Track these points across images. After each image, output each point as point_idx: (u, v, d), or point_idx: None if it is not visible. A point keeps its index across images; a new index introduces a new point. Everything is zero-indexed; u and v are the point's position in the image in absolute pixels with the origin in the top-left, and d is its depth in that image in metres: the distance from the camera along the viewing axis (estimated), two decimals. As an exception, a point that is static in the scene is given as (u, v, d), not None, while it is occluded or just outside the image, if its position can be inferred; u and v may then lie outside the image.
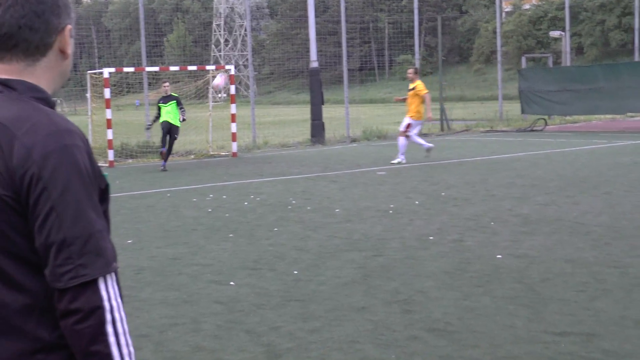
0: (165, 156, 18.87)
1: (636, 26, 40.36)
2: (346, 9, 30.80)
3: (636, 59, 40.65)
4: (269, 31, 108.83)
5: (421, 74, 29.01)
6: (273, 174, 17.15)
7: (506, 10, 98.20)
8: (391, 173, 16.38)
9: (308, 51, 27.23)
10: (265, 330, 5.93)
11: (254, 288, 7.20)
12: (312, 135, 25.90)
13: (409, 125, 18.50)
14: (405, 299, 6.63)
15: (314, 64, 26.47)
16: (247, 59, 31.83)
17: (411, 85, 18.68)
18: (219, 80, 18.71)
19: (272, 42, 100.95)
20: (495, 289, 6.83)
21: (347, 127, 27.56)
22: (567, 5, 40.37)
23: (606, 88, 29.83)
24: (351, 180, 15.44)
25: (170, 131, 18.96)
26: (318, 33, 27.71)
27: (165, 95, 19.26)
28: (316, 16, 27.52)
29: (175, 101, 19.09)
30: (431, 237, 9.29)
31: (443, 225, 10.10)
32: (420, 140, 19.05)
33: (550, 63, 42.90)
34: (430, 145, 18.95)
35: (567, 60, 40.61)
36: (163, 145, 18.99)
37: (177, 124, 19.04)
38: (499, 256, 8.11)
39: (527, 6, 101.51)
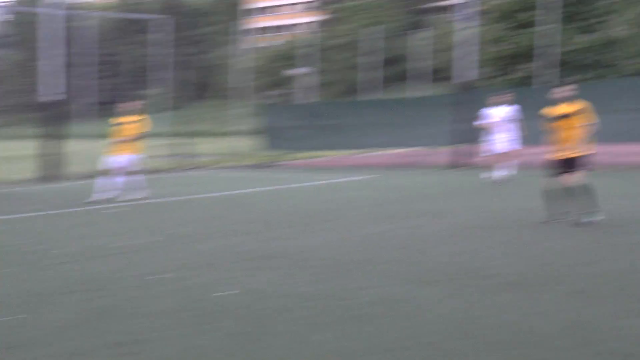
0: None
1: (371, 66, 42.26)
2: (94, 41, 30.12)
3: (375, 96, 42.48)
4: (8, 61, 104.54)
5: (173, 108, 28.72)
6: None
7: (250, 47, 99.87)
8: (119, 210, 16.10)
9: (45, 84, 26.34)
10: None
11: (-30, 335, 6.79)
12: (45, 170, 24.97)
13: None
14: (135, 339, 6.46)
15: (46, 97, 25.60)
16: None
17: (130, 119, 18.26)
18: None
19: (7, 74, 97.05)
20: (224, 326, 6.80)
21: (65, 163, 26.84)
22: (307, 44, 41.61)
23: (346, 124, 30.55)
24: (76, 219, 15.01)
25: None
26: (60, 65, 26.85)
27: None
28: (58, 48, 26.64)
29: None
30: (156, 276, 9.16)
31: (171, 263, 9.97)
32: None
33: (291, 100, 43.99)
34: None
35: (308, 97, 41.83)
36: None
37: None
38: (230, 292, 8.12)
39: (269, 44, 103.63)
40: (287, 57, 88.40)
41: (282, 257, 10.17)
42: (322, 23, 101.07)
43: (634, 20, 57.21)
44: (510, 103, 19.12)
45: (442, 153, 29.29)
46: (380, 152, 35.68)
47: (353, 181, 21.97)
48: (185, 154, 30.83)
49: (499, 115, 18.63)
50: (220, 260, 10.04)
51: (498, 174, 19.29)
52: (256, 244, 11.29)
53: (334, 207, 15.47)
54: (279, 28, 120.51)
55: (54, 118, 24.80)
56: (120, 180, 17.81)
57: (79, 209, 16.41)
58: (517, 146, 19.12)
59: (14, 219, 15.19)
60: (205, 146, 38.60)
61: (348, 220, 13.50)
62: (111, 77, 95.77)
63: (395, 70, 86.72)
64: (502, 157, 19.28)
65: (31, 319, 7.30)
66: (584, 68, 51.64)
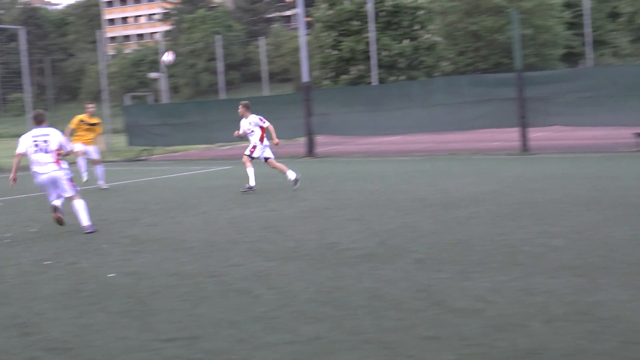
0: None
1: (220, 70, 42.03)
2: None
3: (221, 97, 42.33)
4: None
5: (34, 109, 27.78)
6: None
7: (110, 53, 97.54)
8: (8, 203, 15.44)
9: None
10: None
11: None
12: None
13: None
14: (23, 322, 6.22)
15: None
16: None
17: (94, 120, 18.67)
18: (170, 57, 16.07)
19: None
20: (109, 305, 6.65)
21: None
22: (162, 50, 40.98)
23: (199, 122, 30.80)
24: (-33, 213, 14.31)
25: None
26: None
27: None
28: None
29: None
30: (48, 262, 8.85)
31: (59, 249, 9.68)
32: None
33: (151, 100, 43.28)
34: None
35: (165, 98, 41.22)
36: None
37: None
38: (112, 275, 7.92)
39: (128, 50, 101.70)
40: (148, 61, 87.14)
41: (160, 240, 10.01)
42: (169, 33, 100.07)
43: (440, 29, 59.35)
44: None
45: (297, 144, 29.47)
46: (239, 145, 35.58)
47: (212, 172, 21.80)
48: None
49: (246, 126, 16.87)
50: (101, 245, 9.77)
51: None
52: (135, 229, 11.05)
53: (200, 194, 15.32)
54: (140, 36, 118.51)
55: None
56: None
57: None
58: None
59: None
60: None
61: (214, 206, 13.40)
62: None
63: (237, 74, 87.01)
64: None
65: None
66: (399, 70, 53.36)
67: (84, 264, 8.64)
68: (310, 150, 26.80)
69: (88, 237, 10.53)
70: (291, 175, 15.80)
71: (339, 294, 6.63)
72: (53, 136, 11.38)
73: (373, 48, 40.34)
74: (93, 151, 18.59)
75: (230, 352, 5.18)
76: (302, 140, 28.26)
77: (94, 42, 74.67)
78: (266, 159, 16.30)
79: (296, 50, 65.62)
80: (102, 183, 18.18)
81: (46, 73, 32.26)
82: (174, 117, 31.66)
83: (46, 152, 11.28)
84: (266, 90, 50.49)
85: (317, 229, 10.30)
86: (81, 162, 18.50)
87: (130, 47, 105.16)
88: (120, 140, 35.13)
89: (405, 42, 53.83)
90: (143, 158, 30.35)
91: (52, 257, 9.13)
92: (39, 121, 11.64)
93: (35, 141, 11.33)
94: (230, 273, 7.73)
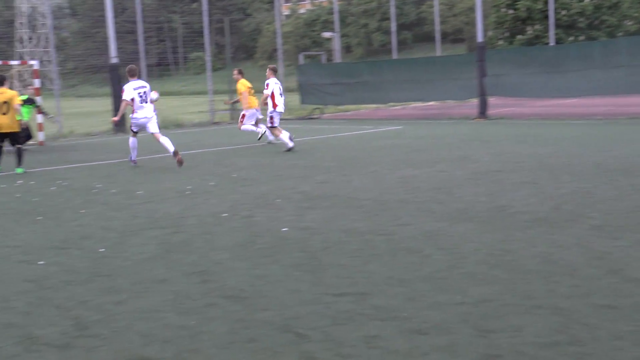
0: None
1: (393, 29, 41.85)
2: (142, 10, 30.06)
3: (394, 57, 42.20)
4: (71, 29, 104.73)
5: (213, 69, 28.74)
6: (79, 161, 16.51)
7: (285, 13, 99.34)
8: (188, 157, 16.16)
9: (108, 48, 26.34)
10: (74, 304, 5.67)
11: (63, 266, 6.88)
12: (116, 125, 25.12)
13: (243, 116, 19.00)
14: (203, 270, 6.54)
15: (114, 60, 25.71)
16: (50, 55, 30.44)
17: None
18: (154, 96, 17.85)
19: (75, 40, 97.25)
20: (282, 258, 6.86)
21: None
22: (336, 10, 41.32)
23: (371, 81, 30.91)
24: (152, 165, 15.11)
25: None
26: (117, 32, 26.84)
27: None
28: (115, 16, 26.69)
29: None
30: (225, 214, 9.22)
31: (235, 203, 10.06)
32: (251, 128, 19.00)
33: (323, 60, 43.75)
34: (260, 131, 18.78)
35: (338, 57, 41.57)
36: None
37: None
38: (285, 229, 8.16)
39: (302, 10, 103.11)
40: (322, 21, 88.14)
41: (332, 197, 10.18)
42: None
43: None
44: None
45: (469, 105, 29.05)
46: (411, 105, 35.55)
47: (383, 131, 21.87)
48: (230, 109, 30.85)
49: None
50: (274, 201, 10.07)
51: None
52: (307, 186, 11.30)
53: (371, 154, 15.43)
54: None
55: (117, 78, 24.79)
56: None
57: (149, 157, 16.50)
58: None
59: (96, 166, 15.29)
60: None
61: (384, 165, 13.47)
62: (158, 42, 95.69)
63: (409, 34, 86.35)
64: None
65: (118, 251, 7.38)
66: (578, 30, 51.10)
67: (259, 217, 8.94)
68: (483, 112, 26.31)
69: (262, 192, 10.87)
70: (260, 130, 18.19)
71: (510, 257, 6.52)
72: (148, 88, 15.24)
73: (551, 7, 38.82)
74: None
75: (399, 310, 5.22)
76: (474, 101, 27.79)
77: (271, 2, 76.18)
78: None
79: (470, 9, 64.30)
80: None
81: (225, 32, 33.39)
82: (346, 76, 31.91)
83: (147, 102, 15.04)
84: (438, 50, 49.81)
85: (488, 192, 10.14)
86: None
87: (305, 7, 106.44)
88: (294, 99, 35.82)
89: (587, 0, 51.47)
90: (315, 116, 30.84)
91: (229, 210, 9.50)
92: (133, 74, 15.09)
93: (139, 93, 14.93)
94: (399, 232, 7.77)
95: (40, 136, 21.51)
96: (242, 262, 6.75)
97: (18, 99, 15.04)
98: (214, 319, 5.19)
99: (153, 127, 15.13)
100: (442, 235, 7.54)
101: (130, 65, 15.36)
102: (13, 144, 14.99)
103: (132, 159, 15.30)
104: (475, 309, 5.18)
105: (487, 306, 5.23)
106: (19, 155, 14.87)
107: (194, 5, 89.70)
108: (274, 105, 17.28)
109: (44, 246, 7.79)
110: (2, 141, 15.06)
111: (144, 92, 15.05)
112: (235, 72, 19.44)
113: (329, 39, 55.65)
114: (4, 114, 14.71)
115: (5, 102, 14.68)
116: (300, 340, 4.69)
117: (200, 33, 35.98)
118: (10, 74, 23.04)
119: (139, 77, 15.69)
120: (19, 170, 14.63)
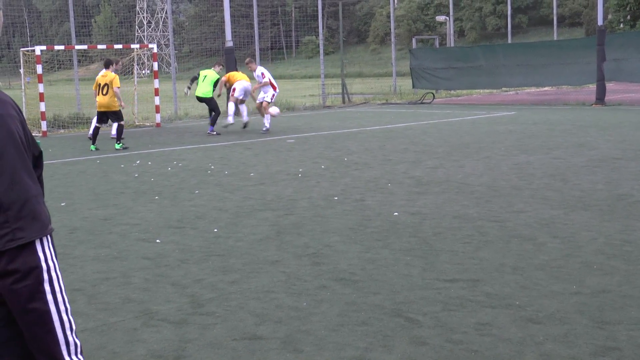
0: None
1: (509, 12, 41.03)
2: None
3: (509, 41, 41.37)
4: (187, 14, 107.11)
5: (325, 53, 28.83)
6: (193, 142, 16.90)
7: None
8: (299, 141, 16.31)
9: (223, 32, 26.78)
10: (190, 282, 5.82)
11: (178, 245, 7.07)
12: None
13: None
14: (314, 252, 6.60)
15: (229, 44, 26.13)
16: (168, 39, 31.20)
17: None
18: (275, 111, 18.59)
19: (191, 24, 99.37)
20: (393, 242, 6.85)
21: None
22: (451, -7, 40.73)
23: (484, 66, 30.44)
24: (264, 147, 15.33)
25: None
26: (232, 15, 27.28)
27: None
28: (230, 0, 27.12)
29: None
30: (336, 197, 9.27)
31: (346, 186, 10.10)
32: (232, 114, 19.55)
33: (436, 44, 43.29)
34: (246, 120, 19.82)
35: (451, 41, 41.04)
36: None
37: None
38: (396, 213, 8.13)
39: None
40: (435, 4, 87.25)
41: (444, 183, 10.09)
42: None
43: None
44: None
45: (586, 91, 28.24)
46: (525, 90, 34.81)
47: (496, 117, 21.49)
48: (346, 93, 30.96)
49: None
50: (386, 185, 10.05)
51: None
52: (418, 171, 11.23)
53: (484, 140, 15.19)
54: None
55: (233, 62, 25.16)
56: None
57: (262, 139, 16.77)
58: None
59: (210, 147, 15.63)
60: (359, 86, 38.59)
61: (497, 152, 13.24)
62: (272, 26, 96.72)
63: (525, 17, 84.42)
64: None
65: (231, 232, 7.52)
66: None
67: (369, 201, 8.94)
68: (601, 98, 25.47)
69: (373, 176, 10.87)
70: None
71: (629, 248, 6.31)
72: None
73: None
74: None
75: (513, 298, 5.14)
76: (591, 87, 26.95)
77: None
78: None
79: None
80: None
81: (338, 16, 33.54)
82: (459, 60, 31.50)
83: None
84: (555, 34, 48.53)
85: (606, 179, 9.84)
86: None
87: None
88: (406, 83, 35.64)
89: None
90: (427, 101, 30.59)
91: (340, 194, 9.54)
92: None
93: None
94: (513, 219, 7.63)
95: (157, 118, 22.12)
96: (353, 246, 6.78)
97: (118, 82, 16.15)
98: (325, 301, 5.23)
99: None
100: (557, 223, 7.36)
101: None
102: (114, 121, 16.17)
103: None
104: (592, 299, 5.04)
105: (605, 297, 5.08)
106: (119, 132, 16.10)
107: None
108: (274, 88, 19.04)
109: (161, 225, 8.02)
110: (101, 121, 16.26)
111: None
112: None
113: (442, 23, 55.02)
114: (105, 94, 15.93)
115: (106, 84, 15.92)
116: (411, 325, 4.68)
117: (313, 17, 36.22)
118: (130, 56, 23.79)
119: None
120: (117, 146, 15.93)
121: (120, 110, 16.18)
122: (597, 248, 6.36)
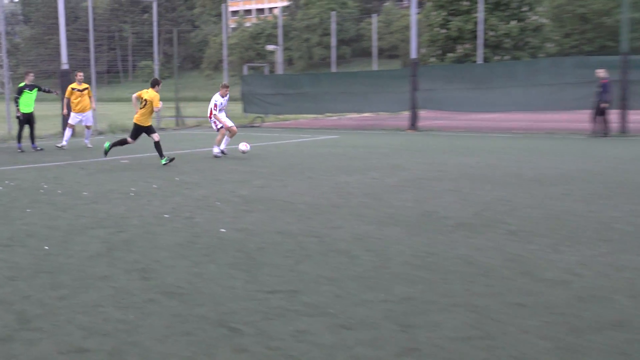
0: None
1: (333, 44, 42.10)
2: (94, 19, 29.65)
3: (333, 70, 42.44)
4: (23, 35, 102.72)
5: (160, 77, 28.50)
6: (27, 162, 16.21)
7: (231, 26, 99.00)
8: (133, 161, 16.01)
9: (59, 55, 25.91)
10: (17, 299, 5.59)
11: (7, 262, 6.76)
12: (64, 129, 24.74)
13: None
14: (143, 267, 6.50)
15: (65, 66, 25.31)
16: (2, 60, 29.82)
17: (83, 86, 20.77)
18: (244, 147, 17.17)
19: (27, 45, 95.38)
20: (219, 257, 6.87)
21: (95, 122, 26.51)
22: (280, 24, 41.34)
23: (310, 93, 31.09)
24: (98, 167, 14.92)
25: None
26: (69, 39, 26.43)
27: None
28: (67, 24, 26.27)
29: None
30: (167, 215, 9.18)
31: (177, 205, 10.02)
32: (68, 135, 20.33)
33: (266, 71, 43.75)
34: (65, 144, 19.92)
35: (280, 69, 41.60)
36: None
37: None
38: (223, 230, 8.16)
39: (248, 24, 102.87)
40: (266, 34, 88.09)
41: (269, 201, 10.21)
42: (287, 8, 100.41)
43: (548, 12, 57.44)
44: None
45: (402, 117, 29.34)
46: (347, 116, 35.74)
47: (322, 140, 21.98)
48: (180, 116, 30.67)
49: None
50: (214, 203, 10.05)
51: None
52: (245, 190, 11.30)
53: (307, 161, 15.50)
54: (260, 10, 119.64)
55: (68, 84, 24.35)
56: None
57: (96, 159, 16.30)
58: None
59: (44, 167, 15.03)
60: (193, 110, 38.35)
61: (319, 172, 13.55)
62: (109, 50, 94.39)
63: (348, 49, 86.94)
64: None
65: (61, 249, 7.29)
66: (504, 50, 52.02)
67: (199, 219, 8.92)
68: (414, 124, 26.64)
69: (202, 195, 10.84)
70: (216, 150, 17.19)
71: (433, 259, 6.65)
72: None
73: (480, 28, 39.54)
74: (90, 116, 20.87)
75: (328, 306, 5.29)
76: (406, 114, 28.12)
77: (218, 15, 75.93)
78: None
79: (406, 28, 64.96)
80: (87, 142, 20.77)
81: (173, 43, 33.28)
82: (287, 87, 32.01)
83: None
84: (375, 65, 50.26)
85: (415, 198, 10.30)
86: (68, 133, 20.35)
87: (250, 21, 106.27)
88: (237, 108, 35.72)
89: (513, 23, 52.46)
90: (256, 125, 30.82)
91: (170, 212, 9.46)
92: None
93: None
94: (331, 234, 7.84)
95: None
96: (182, 261, 6.74)
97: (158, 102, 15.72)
98: (152, 314, 5.18)
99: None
100: (370, 238, 7.64)
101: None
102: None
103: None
104: (398, 306, 5.28)
105: (409, 304, 5.33)
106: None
107: (145, 15, 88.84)
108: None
109: (-10, 243, 7.64)
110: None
111: None
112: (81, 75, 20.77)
113: (272, 52, 55.66)
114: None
115: (145, 100, 15.63)
116: (233, 334, 4.72)
117: (149, 43, 35.68)
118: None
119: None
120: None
121: None
122: (405, 260, 6.65)
